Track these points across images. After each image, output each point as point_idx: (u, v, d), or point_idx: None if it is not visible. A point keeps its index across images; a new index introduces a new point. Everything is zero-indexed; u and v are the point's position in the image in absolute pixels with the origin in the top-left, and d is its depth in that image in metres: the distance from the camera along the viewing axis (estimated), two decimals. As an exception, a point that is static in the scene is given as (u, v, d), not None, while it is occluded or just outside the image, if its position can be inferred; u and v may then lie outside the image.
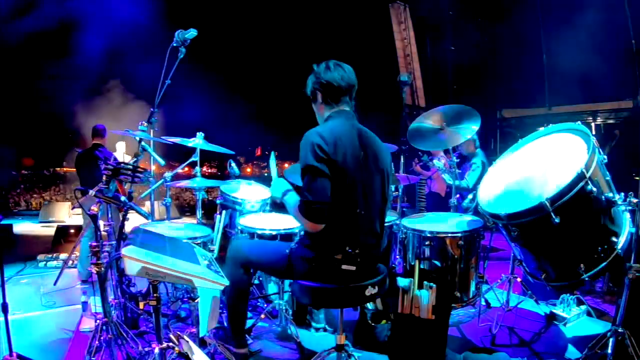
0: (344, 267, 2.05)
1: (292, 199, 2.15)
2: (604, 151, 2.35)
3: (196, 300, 2.36)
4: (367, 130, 2.24)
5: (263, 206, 3.65)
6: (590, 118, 8.52)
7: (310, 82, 2.25)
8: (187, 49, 3.30)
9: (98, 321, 2.31)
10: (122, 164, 2.27)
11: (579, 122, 2.55)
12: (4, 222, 5.93)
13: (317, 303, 2.09)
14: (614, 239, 2.32)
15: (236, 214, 3.49)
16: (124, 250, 1.54)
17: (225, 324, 2.74)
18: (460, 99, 3.64)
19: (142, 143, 2.97)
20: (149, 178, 3.31)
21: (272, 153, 2.46)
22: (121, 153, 5.70)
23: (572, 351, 2.79)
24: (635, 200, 2.19)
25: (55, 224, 6.59)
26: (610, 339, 2.30)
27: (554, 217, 2.19)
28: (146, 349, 2.30)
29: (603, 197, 2.26)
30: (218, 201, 3.39)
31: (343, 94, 2.19)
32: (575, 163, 2.26)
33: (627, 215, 2.35)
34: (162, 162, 3.37)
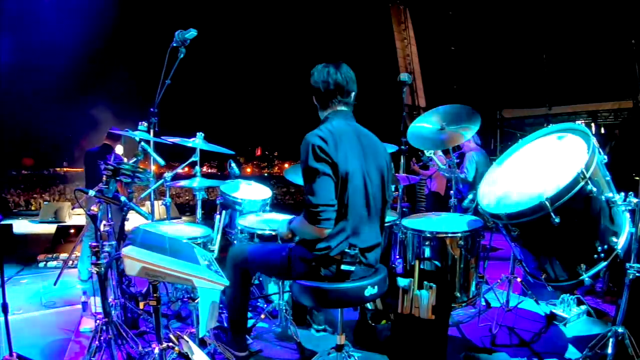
0: (343, 267, 2.05)
1: (295, 219, 2.16)
2: (604, 151, 2.35)
3: (196, 300, 2.36)
4: (365, 129, 2.24)
5: (263, 206, 3.65)
6: (590, 118, 8.53)
7: None
8: (187, 48, 3.31)
9: (98, 321, 2.31)
10: (122, 164, 2.27)
11: (579, 122, 2.55)
12: (4, 222, 5.92)
13: (317, 303, 2.09)
14: (614, 239, 2.32)
15: (236, 214, 3.49)
16: (124, 250, 1.54)
17: (225, 324, 2.74)
18: (460, 99, 3.63)
19: (142, 143, 2.97)
20: (149, 178, 3.31)
21: None
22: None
23: (572, 351, 2.79)
24: (635, 200, 2.19)
25: (55, 224, 6.59)
26: (610, 339, 2.30)
27: (554, 217, 2.19)
28: (146, 349, 2.31)
29: (603, 197, 2.26)
30: (218, 201, 3.39)
31: (328, 96, 2.17)
32: (575, 163, 2.26)
33: (627, 215, 2.35)
34: (162, 162, 3.37)
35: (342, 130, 2.09)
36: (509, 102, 10.02)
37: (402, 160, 3.80)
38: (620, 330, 2.29)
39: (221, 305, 2.82)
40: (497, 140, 10.08)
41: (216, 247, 2.78)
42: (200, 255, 1.87)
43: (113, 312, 2.51)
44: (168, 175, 3.44)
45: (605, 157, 2.34)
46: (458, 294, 3.06)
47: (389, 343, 2.72)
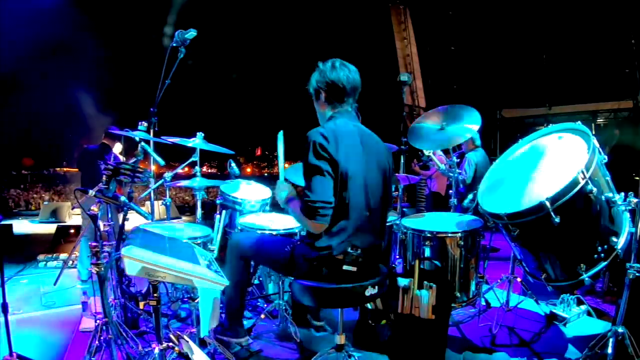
0: (345, 267, 2.05)
1: (295, 203, 2.15)
2: (604, 151, 2.35)
3: (196, 300, 2.36)
4: (369, 130, 2.24)
5: (263, 206, 3.65)
6: (590, 118, 8.53)
7: (314, 80, 2.22)
8: (187, 48, 3.32)
9: (98, 321, 2.31)
10: (122, 164, 2.27)
11: (579, 122, 2.55)
12: (4, 222, 5.92)
13: (317, 303, 2.09)
14: (614, 239, 2.32)
15: (236, 214, 3.49)
16: (124, 250, 1.54)
17: (224, 316, 2.74)
18: (460, 99, 3.63)
19: (142, 143, 2.97)
20: (149, 178, 3.31)
21: (280, 133, 2.30)
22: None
23: (572, 351, 2.78)
24: (635, 200, 2.19)
25: (55, 224, 6.59)
26: (610, 339, 2.30)
27: (554, 216, 2.19)
28: (146, 349, 2.30)
29: (603, 197, 2.26)
30: (218, 201, 3.38)
31: (347, 95, 2.17)
32: (576, 163, 2.26)
33: (627, 215, 2.34)
34: (162, 162, 3.37)
35: (345, 130, 2.09)
36: (509, 102, 10.02)
37: (402, 160, 3.81)
38: (620, 330, 2.29)
39: (221, 305, 2.82)
40: (497, 140, 10.09)
41: (216, 247, 2.78)
42: (200, 255, 1.87)
43: (113, 312, 2.51)
44: (168, 175, 3.44)
45: (605, 157, 2.34)
46: (458, 294, 3.06)
47: (389, 343, 2.72)
